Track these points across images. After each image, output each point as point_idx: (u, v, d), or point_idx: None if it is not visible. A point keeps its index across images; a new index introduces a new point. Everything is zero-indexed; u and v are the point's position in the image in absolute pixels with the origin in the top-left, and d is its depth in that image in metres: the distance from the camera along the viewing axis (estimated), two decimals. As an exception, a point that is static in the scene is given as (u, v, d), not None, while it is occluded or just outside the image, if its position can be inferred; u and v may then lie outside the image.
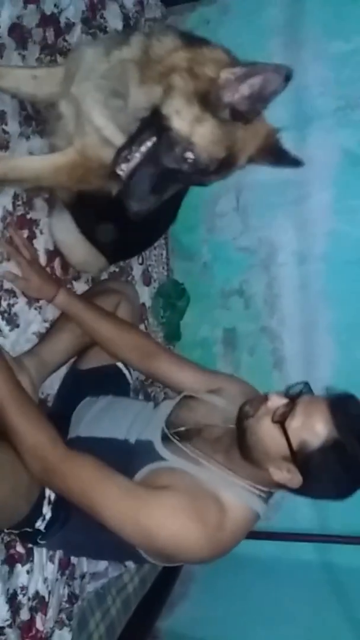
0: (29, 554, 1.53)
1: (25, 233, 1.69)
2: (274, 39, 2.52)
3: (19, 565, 1.50)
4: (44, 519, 1.41)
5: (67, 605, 1.66)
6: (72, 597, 1.69)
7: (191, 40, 1.24)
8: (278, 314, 2.65)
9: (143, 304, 2.40)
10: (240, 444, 1.31)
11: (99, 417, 1.59)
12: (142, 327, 2.37)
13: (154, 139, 1.20)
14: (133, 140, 1.22)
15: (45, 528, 1.42)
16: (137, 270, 2.38)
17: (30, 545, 1.52)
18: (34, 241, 1.73)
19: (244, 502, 1.32)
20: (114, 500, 1.26)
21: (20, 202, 1.66)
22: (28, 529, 1.42)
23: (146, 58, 1.24)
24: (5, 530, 1.45)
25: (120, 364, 1.80)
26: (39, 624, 1.54)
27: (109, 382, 1.79)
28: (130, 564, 1.82)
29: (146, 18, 2.44)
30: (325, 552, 2.44)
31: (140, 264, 2.42)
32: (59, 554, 1.61)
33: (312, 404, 1.25)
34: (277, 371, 2.63)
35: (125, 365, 1.81)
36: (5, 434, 1.33)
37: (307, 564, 2.45)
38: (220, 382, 1.62)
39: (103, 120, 1.30)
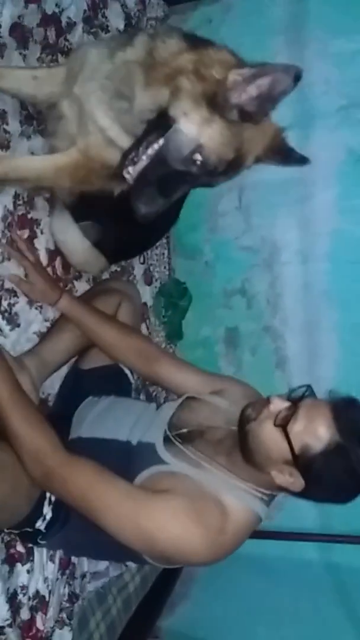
0: (29, 553, 1.53)
1: (26, 233, 1.69)
2: (276, 37, 2.50)
3: (19, 565, 1.50)
4: (44, 519, 1.41)
5: (67, 605, 1.66)
6: (73, 597, 1.69)
7: (196, 42, 1.23)
8: (280, 314, 2.64)
9: (145, 304, 2.40)
10: (242, 447, 1.31)
11: (101, 418, 1.59)
12: (143, 326, 2.36)
13: (162, 141, 1.20)
14: (140, 142, 1.22)
15: (46, 528, 1.43)
16: (138, 270, 2.38)
17: (30, 545, 1.52)
18: (35, 241, 1.73)
19: (246, 505, 1.32)
20: (114, 504, 1.26)
21: (21, 202, 1.66)
22: (28, 529, 1.42)
23: (151, 60, 1.23)
24: (6, 530, 1.45)
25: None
26: (39, 624, 1.54)
27: (111, 381, 1.79)
28: (131, 564, 1.82)
29: (148, 17, 2.43)
30: (328, 551, 2.44)
31: (142, 263, 2.42)
32: (59, 553, 1.61)
33: (314, 407, 1.25)
34: (279, 371, 2.62)
35: (127, 366, 1.80)
36: (6, 435, 1.33)
37: (309, 563, 2.45)
38: (222, 384, 1.62)
39: (107, 121, 1.30)
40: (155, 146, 1.20)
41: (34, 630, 1.52)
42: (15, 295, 1.64)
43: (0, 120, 1.60)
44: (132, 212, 1.23)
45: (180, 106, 1.17)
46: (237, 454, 1.33)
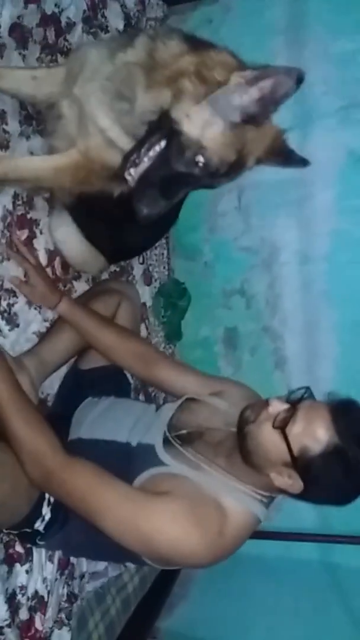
0: (28, 553, 1.53)
1: (26, 233, 1.69)
2: (276, 38, 2.50)
3: (18, 565, 1.50)
4: (43, 520, 1.42)
5: (66, 605, 1.66)
6: (72, 597, 1.69)
7: (196, 44, 1.23)
8: (280, 314, 2.64)
9: (144, 304, 2.40)
10: (241, 449, 1.31)
11: (100, 419, 1.59)
12: (143, 326, 2.36)
13: (163, 142, 1.20)
14: (141, 144, 1.22)
15: (45, 529, 1.43)
16: (138, 270, 2.38)
17: (29, 546, 1.52)
18: (34, 241, 1.73)
19: (245, 507, 1.32)
20: (113, 506, 1.26)
21: (20, 202, 1.66)
22: (27, 530, 1.42)
23: (152, 61, 1.23)
24: (5, 531, 1.45)
25: (121, 364, 1.80)
26: (38, 624, 1.54)
27: (110, 382, 1.79)
28: (130, 564, 1.82)
29: (147, 17, 2.43)
30: (327, 552, 2.44)
31: (141, 264, 2.42)
32: (58, 553, 1.61)
33: (313, 409, 1.25)
34: (278, 371, 2.62)
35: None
36: (5, 436, 1.33)
37: (309, 563, 2.45)
38: (221, 385, 1.62)
39: (108, 122, 1.30)
40: (157, 148, 1.20)
41: (32, 631, 1.52)
42: (15, 295, 1.64)
43: (0, 120, 1.59)
44: (133, 212, 1.23)
45: (182, 108, 1.17)
46: (236, 456, 1.33)
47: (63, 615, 1.65)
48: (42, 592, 1.56)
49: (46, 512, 1.41)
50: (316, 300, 2.56)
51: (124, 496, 1.28)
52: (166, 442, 1.43)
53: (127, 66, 1.26)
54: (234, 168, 1.24)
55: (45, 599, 1.57)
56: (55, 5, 1.83)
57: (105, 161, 1.33)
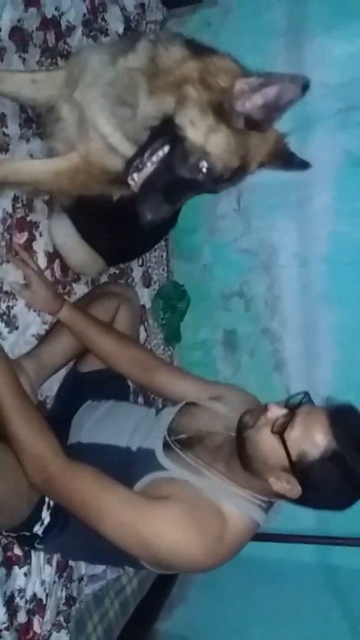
0: (27, 556, 1.53)
1: (25, 235, 1.69)
2: (275, 40, 2.50)
3: (16, 568, 1.51)
4: (42, 523, 1.42)
5: (64, 608, 1.67)
6: (70, 600, 1.70)
7: (198, 49, 1.23)
8: (279, 316, 2.64)
9: (143, 306, 2.40)
10: (240, 454, 1.31)
11: (100, 423, 1.59)
12: (142, 329, 2.36)
13: (166, 148, 1.20)
14: (144, 149, 1.22)
15: (43, 533, 1.43)
16: (137, 272, 2.38)
17: (27, 548, 1.52)
18: (34, 243, 1.73)
19: (245, 512, 1.32)
20: (113, 510, 1.27)
21: (20, 205, 1.66)
22: (26, 533, 1.42)
23: (154, 67, 1.23)
24: (3, 533, 1.45)
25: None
26: (36, 627, 1.55)
27: (109, 384, 1.79)
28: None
29: (147, 21, 2.43)
30: (326, 554, 2.44)
31: (141, 266, 2.42)
32: (56, 556, 1.61)
33: (311, 414, 1.25)
34: (277, 373, 2.62)
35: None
36: (7, 438, 1.33)
37: (308, 566, 2.45)
38: (220, 390, 1.62)
39: (109, 128, 1.30)
40: (160, 153, 1.20)
41: (31, 634, 1.53)
42: (14, 297, 1.64)
43: (0, 123, 1.60)
44: (132, 215, 1.23)
45: (186, 114, 1.17)
46: (235, 461, 1.33)
47: (61, 618, 1.65)
48: (41, 595, 1.57)
49: (45, 516, 1.41)
50: (315, 302, 2.56)
51: (124, 500, 1.28)
52: (166, 446, 1.43)
53: (129, 72, 1.26)
54: (237, 173, 1.24)
55: (44, 602, 1.57)
56: (56, 8, 1.83)
57: (106, 165, 1.33)
